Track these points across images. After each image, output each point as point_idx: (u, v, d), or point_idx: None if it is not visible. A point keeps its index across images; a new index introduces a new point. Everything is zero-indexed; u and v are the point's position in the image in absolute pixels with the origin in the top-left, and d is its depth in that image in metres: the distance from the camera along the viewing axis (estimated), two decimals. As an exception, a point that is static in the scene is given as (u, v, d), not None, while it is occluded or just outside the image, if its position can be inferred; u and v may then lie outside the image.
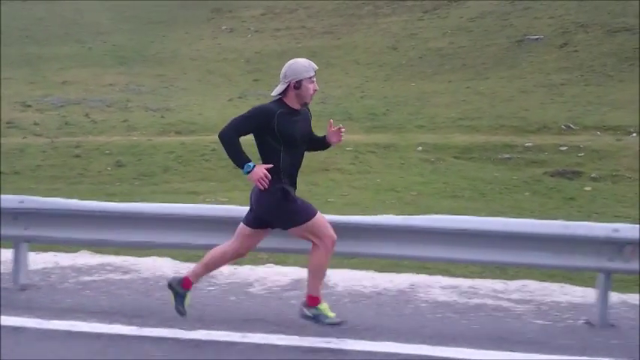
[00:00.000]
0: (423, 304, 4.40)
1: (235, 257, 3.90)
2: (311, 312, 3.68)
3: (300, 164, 3.77)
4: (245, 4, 41.95)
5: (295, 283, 4.78)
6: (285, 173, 3.65)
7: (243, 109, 19.01)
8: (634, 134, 15.25)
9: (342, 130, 3.87)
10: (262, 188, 3.56)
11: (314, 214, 3.64)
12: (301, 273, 4.79)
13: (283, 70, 3.61)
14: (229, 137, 3.54)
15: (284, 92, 3.61)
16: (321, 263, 3.68)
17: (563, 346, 3.74)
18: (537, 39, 27.36)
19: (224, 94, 23.14)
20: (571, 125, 16.06)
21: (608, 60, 23.61)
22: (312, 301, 3.69)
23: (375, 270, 5.49)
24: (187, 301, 3.84)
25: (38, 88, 22.78)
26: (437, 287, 4.79)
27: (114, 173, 11.82)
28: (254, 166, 3.55)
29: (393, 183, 12.27)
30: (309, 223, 3.61)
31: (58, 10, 39.93)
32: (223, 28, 37.82)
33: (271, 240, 4.20)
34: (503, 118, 17.75)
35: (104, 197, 10.10)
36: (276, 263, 5.31)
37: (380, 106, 20.90)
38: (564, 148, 14.03)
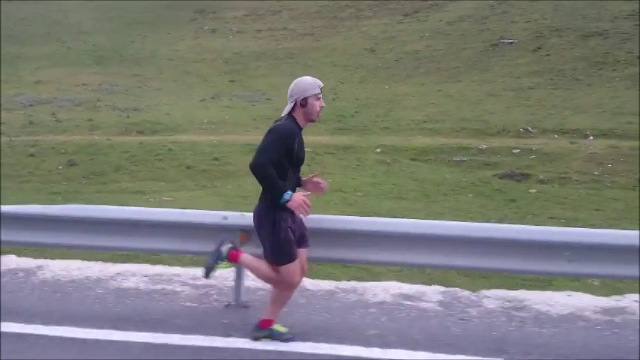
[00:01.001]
0: (100, 291, 4.59)
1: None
2: (263, 333, 3.78)
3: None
4: (229, 4, 42.09)
5: (28, 276, 4.94)
6: (289, 186, 3.60)
7: (213, 110, 19.20)
8: (591, 137, 15.46)
9: (321, 184, 3.82)
10: (305, 215, 3.50)
11: (290, 260, 3.62)
12: (41, 262, 5.11)
13: (290, 89, 3.58)
14: (264, 169, 3.39)
15: (292, 110, 3.59)
16: (281, 297, 3.79)
17: (175, 325, 4.02)
18: (512, 43, 27.59)
19: (197, 95, 23.25)
20: (529, 128, 16.25)
21: (578, 64, 23.83)
22: (265, 323, 3.78)
23: (110, 261, 5.44)
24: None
25: (11, 88, 22.86)
26: (140, 275, 4.92)
27: (64, 172, 11.93)
28: (291, 194, 3.46)
29: (342, 184, 12.40)
30: (281, 267, 3.62)
31: (42, 10, 39.96)
32: (205, 28, 37.93)
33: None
34: (466, 121, 17.94)
35: (48, 196, 10.26)
36: (36, 257, 5.30)
37: (350, 108, 21.05)
38: (517, 151, 14.21)
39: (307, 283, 4.92)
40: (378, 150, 15.47)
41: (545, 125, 16.69)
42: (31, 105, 19.48)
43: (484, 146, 14.72)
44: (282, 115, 3.59)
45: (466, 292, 4.83)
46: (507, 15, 31.46)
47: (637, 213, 10.67)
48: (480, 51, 27.57)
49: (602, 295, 4.83)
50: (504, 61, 25.77)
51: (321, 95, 3.63)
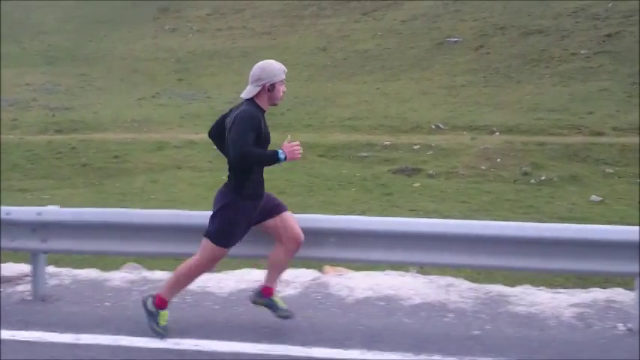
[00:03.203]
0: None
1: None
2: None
3: None
4: (194, 3, 42.22)
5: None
6: (256, 175, 3.59)
7: (146, 108, 19.48)
8: (497, 133, 15.85)
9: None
10: (300, 153, 3.48)
11: (223, 245, 3.51)
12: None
13: (256, 72, 3.47)
14: (247, 154, 3.34)
15: (257, 94, 3.50)
16: (186, 273, 3.61)
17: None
18: (456, 41, 27.97)
19: (139, 94, 23.54)
20: (441, 125, 16.62)
21: (514, 62, 24.22)
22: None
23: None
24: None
25: (-46, 88, 23.12)
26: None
27: (-40, 171, 12.26)
28: (281, 151, 3.43)
29: (234, 180, 12.71)
30: (211, 246, 3.51)
31: (8, 10, 40.03)
32: (166, 27, 38.18)
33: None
34: (388, 119, 18.29)
35: None
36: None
37: (283, 107, 21.31)
38: (417, 147, 14.58)
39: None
40: (289, 147, 15.82)
41: (459, 122, 17.06)
42: (-36, 105, 19.74)
43: (387, 142, 15.09)
44: (243, 97, 3.52)
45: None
46: (459, 13, 31.82)
47: (503, 204, 11.11)
48: (425, 49, 27.93)
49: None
50: (446, 59, 26.14)
51: (284, 80, 3.62)
